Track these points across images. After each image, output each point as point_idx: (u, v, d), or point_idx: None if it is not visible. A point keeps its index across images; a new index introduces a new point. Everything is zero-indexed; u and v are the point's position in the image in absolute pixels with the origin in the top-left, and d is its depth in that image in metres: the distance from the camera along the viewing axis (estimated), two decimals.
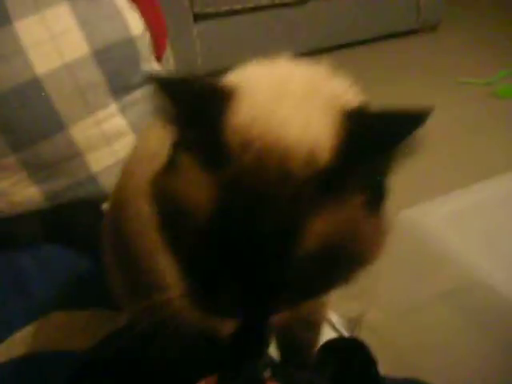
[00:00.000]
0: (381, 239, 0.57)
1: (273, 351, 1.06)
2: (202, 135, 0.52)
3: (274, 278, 0.50)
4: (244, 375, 0.50)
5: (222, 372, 0.51)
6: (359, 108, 0.54)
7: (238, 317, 0.55)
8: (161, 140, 0.85)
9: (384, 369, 1.10)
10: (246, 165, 0.49)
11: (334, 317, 1.24)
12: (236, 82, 0.57)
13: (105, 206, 1.41)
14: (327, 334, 1.10)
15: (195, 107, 0.51)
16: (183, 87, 0.53)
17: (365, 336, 1.36)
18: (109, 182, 1.42)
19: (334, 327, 1.22)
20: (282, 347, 1.00)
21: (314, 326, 0.97)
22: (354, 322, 1.86)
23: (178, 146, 0.56)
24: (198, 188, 0.50)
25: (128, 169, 0.97)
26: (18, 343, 1.11)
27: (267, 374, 0.54)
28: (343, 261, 0.52)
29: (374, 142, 0.49)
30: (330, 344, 1.02)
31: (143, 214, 0.80)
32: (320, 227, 0.49)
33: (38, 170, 1.37)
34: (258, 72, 0.61)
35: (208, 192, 0.49)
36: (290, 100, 0.54)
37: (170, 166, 0.57)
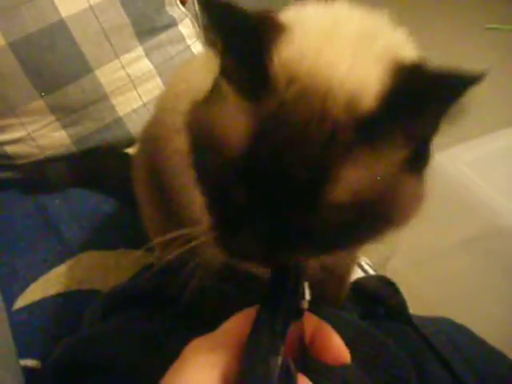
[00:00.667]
0: (416, 203, 0.55)
1: None
2: (248, 64, 0.50)
3: (298, 223, 0.48)
4: (284, 308, 0.51)
5: (261, 305, 0.52)
6: (413, 62, 0.50)
7: (255, 261, 0.53)
8: (202, 74, 0.85)
9: None
10: (287, 100, 0.47)
11: (361, 258, 1.24)
12: (290, 18, 0.54)
13: (131, 150, 1.42)
14: (355, 274, 1.11)
15: (243, 35, 0.49)
16: (232, 13, 0.50)
17: None
18: (135, 125, 1.43)
19: (361, 267, 1.23)
20: (313, 288, 1.01)
21: (346, 267, 0.97)
22: (379, 265, 1.87)
23: (220, 76, 0.54)
24: (236, 117, 0.49)
25: (164, 105, 0.97)
26: (52, 282, 1.15)
27: (305, 307, 0.55)
28: (372, 218, 0.50)
29: (422, 97, 0.46)
30: (359, 283, 1.03)
31: (182, 150, 0.81)
32: (353, 177, 0.47)
33: (65, 113, 1.37)
34: (313, 11, 0.58)
35: (246, 122, 0.48)
36: (341, 42, 0.51)
37: (210, 95, 0.56)
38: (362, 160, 0.47)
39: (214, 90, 0.55)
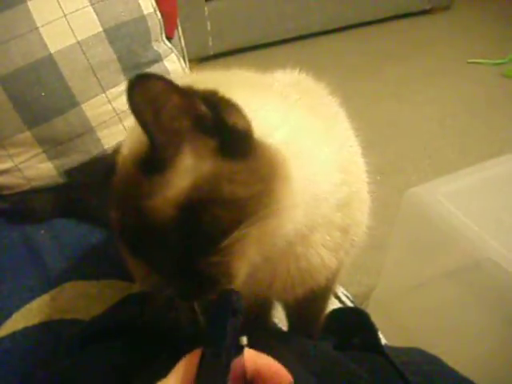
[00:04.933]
0: (258, 180, 0.60)
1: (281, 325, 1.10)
2: None
3: (160, 244, 0.59)
4: (226, 347, 0.53)
5: (204, 346, 0.54)
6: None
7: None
8: None
9: (389, 342, 1.13)
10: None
11: (339, 289, 1.27)
12: None
13: None
14: (333, 305, 1.13)
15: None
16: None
17: (372, 311, 1.39)
18: None
19: (339, 299, 1.25)
20: (290, 318, 1.03)
21: (323, 299, 1.00)
22: (362, 297, 1.89)
23: None
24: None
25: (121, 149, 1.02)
26: (34, 312, 1.15)
27: (244, 342, 0.57)
28: (220, 202, 0.57)
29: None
30: (334, 314, 1.05)
31: None
32: (164, 196, 0.57)
33: (52, 146, 1.40)
34: None
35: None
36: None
37: None
38: (159, 182, 0.58)
39: None
